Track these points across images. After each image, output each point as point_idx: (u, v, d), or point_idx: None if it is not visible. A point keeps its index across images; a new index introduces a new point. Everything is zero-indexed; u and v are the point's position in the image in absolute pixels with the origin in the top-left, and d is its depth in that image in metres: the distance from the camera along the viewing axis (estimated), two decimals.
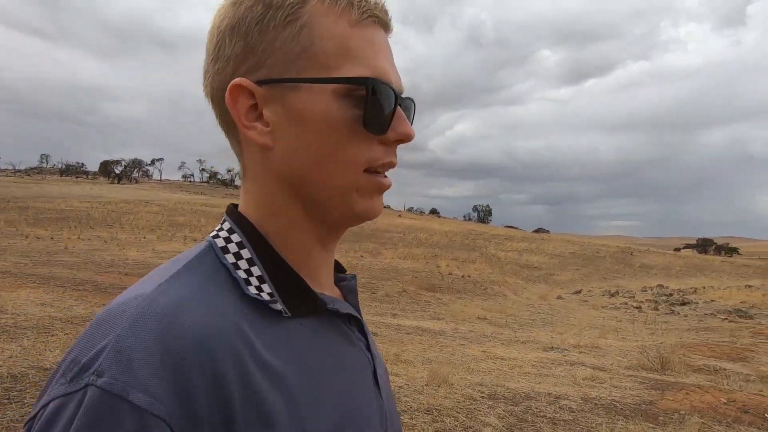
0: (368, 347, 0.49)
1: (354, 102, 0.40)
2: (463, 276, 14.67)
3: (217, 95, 0.43)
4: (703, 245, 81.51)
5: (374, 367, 0.48)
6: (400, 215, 65.18)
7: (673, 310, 11.10)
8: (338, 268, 0.53)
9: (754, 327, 8.08)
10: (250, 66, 0.40)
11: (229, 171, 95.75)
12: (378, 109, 0.40)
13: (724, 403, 3.34)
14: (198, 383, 0.32)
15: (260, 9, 0.40)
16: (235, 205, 0.47)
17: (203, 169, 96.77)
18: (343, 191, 0.42)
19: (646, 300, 13.33)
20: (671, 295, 14.53)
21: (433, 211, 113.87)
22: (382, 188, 0.44)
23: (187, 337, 0.33)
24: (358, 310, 0.50)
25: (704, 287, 17.45)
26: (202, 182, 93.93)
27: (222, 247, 0.42)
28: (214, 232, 0.44)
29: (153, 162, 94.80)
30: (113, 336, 0.32)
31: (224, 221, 0.45)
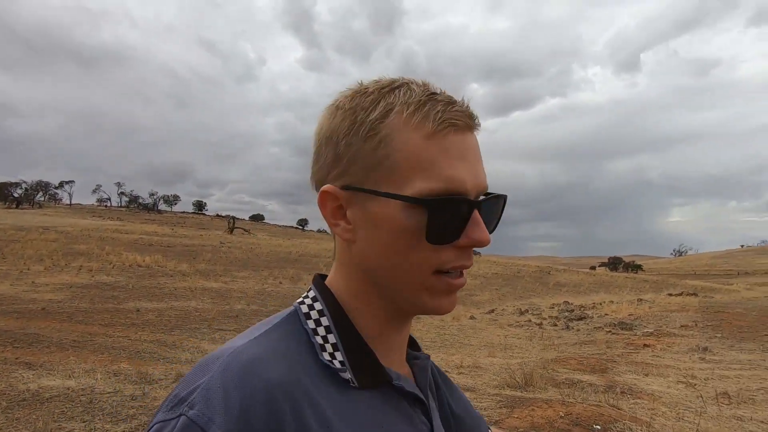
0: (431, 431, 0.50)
1: (420, 213, 0.43)
2: None
3: (317, 189, 0.48)
4: (614, 263, 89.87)
5: None
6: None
7: (568, 326, 11.87)
8: (414, 345, 0.56)
9: (629, 338, 8.84)
10: (337, 173, 0.46)
11: (152, 195, 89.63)
12: (441, 223, 0.43)
13: (561, 417, 3.51)
14: (263, 429, 0.38)
15: (347, 124, 0.45)
16: (322, 276, 0.52)
17: (122, 193, 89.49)
18: (413, 290, 0.45)
19: (549, 317, 14.15)
20: (573, 311, 15.56)
21: None
22: (452, 289, 0.46)
23: (260, 388, 0.39)
24: (425, 392, 0.51)
25: (603, 302, 18.93)
26: (120, 207, 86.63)
27: (305, 313, 0.47)
28: (301, 299, 0.50)
29: (62, 184, 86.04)
30: (207, 378, 0.40)
31: (310, 290, 0.51)
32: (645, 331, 9.86)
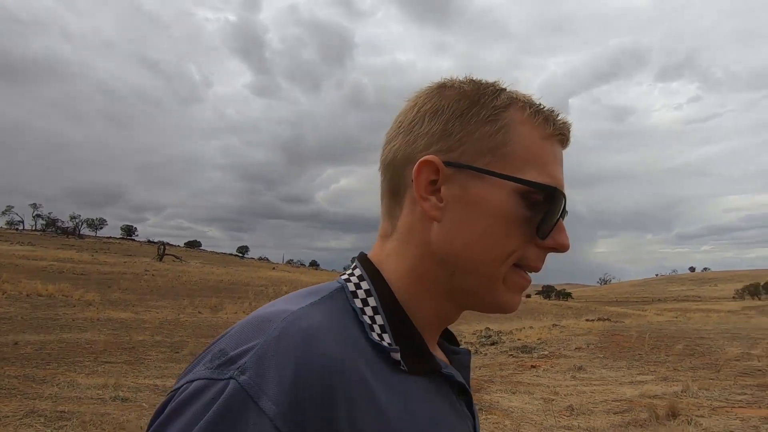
0: (475, 428, 0.50)
1: (529, 203, 0.44)
2: None
3: (399, 162, 0.47)
4: (547, 291, 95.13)
5: None
6: (274, 268, 62.90)
7: (478, 350, 12.44)
8: (452, 339, 0.55)
9: (523, 360, 9.47)
10: (442, 147, 0.45)
11: (73, 218, 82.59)
12: (550, 216, 0.44)
13: None
14: (315, 407, 0.34)
15: (466, 104, 0.45)
16: (364, 254, 0.49)
17: (38, 215, 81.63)
18: (492, 279, 0.44)
19: (466, 342, 14.73)
20: (490, 336, 16.29)
21: (313, 263, 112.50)
22: (525, 285, 0.46)
23: (318, 362, 0.36)
24: (469, 385, 0.50)
25: (523, 328, 19.94)
26: (35, 231, 78.85)
27: (352, 291, 0.45)
28: (345, 276, 0.47)
29: None
30: (261, 340, 0.36)
31: (355, 266, 0.48)
32: (541, 353, 10.60)
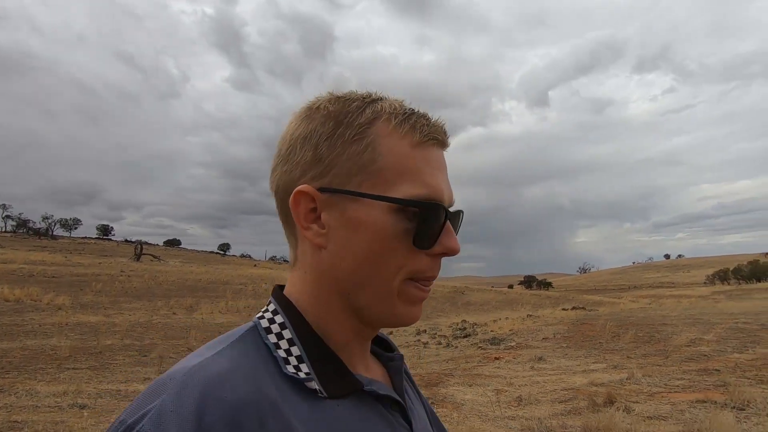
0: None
1: (407, 216, 0.44)
2: None
3: (281, 192, 0.48)
4: (528, 282, 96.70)
5: None
6: (255, 265, 62.32)
7: (450, 343, 12.73)
8: (388, 347, 0.55)
9: (489, 352, 9.76)
10: (315, 173, 0.45)
11: (46, 218, 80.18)
12: (428, 227, 0.44)
13: None
14: None
15: (331, 125, 0.45)
16: (281, 287, 0.50)
17: (7, 216, 78.91)
18: (385, 295, 0.45)
19: (441, 335, 15.01)
20: (465, 329, 16.62)
21: None
22: (422, 297, 0.47)
23: (220, 410, 0.35)
24: (401, 394, 0.50)
25: (499, 319, 20.30)
26: (4, 232, 76.29)
27: (265, 328, 0.45)
28: (260, 313, 0.48)
29: None
30: (159, 401, 0.36)
31: (269, 302, 0.49)
32: (508, 345, 10.93)
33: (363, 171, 0.44)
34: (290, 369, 0.42)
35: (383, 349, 0.54)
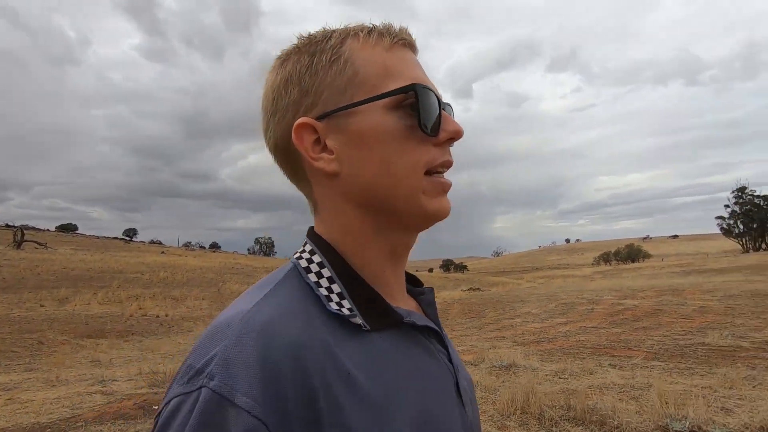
0: (449, 358, 0.51)
1: (404, 112, 0.45)
2: (158, 316, 14.28)
3: (281, 143, 0.48)
4: (447, 265, 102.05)
5: (456, 378, 0.51)
6: (163, 252, 58.51)
7: None
8: (416, 282, 0.57)
9: None
10: (307, 106, 0.46)
11: None
12: (427, 111, 0.45)
13: (136, 404, 4.34)
14: (290, 391, 0.36)
15: (306, 59, 0.47)
16: (312, 229, 0.50)
17: None
18: (411, 195, 0.45)
19: None
20: None
21: (214, 245, 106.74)
22: (445, 188, 0.48)
23: (281, 350, 0.37)
24: (437, 323, 0.53)
25: None
26: None
27: (305, 267, 0.46)
28: (297, 254, 0.48)
29: None
30: (221, 346, 0.37)
31: (305, 243, 0.49)
32: None
33: (349, 86, 0.45)
34: (333, 306, 0.43)
35: (412, 285, 0.56)
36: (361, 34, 0.47)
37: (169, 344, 10.45)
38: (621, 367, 4.78)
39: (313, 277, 0.45)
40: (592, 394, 3.77)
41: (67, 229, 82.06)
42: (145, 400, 4.39)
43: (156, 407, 4.24)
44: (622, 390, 3.91)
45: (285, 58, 0.49)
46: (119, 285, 20.55)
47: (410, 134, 0.45)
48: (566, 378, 4.43)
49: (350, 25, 0.48)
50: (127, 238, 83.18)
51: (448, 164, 0.48)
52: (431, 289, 0.56)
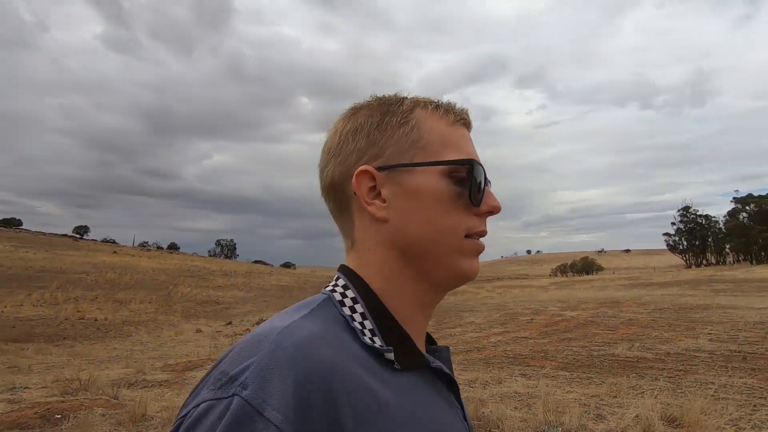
0: (465, 417, 0.53)
1: (455, 180, 0.49)
2: (96, 320, 13.68)
3: (338, 182, 0.51)
4: None
5: None
6: (115, 252, 55.94)
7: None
8: (430, 340, 0.56)
9: None
10: (371, 156, 0.50)
11: None
12: (476, 184, 0.50)
13: (37, 413, 4.19)
14: (319, 411, 0.36)
15: (378, 116, 0.51)
16: (345, 265, 0.52)
17: None
18: (450, 253, 0.49)
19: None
20: None
21: (172, 246, 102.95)
22: (480, 250, 0.51)
23: (316, 369, 0.37)
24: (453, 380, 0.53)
25: None
26: None
27: (339, 300, 0.47)
28: (330, 287, 0.50)
29: None
30: (258, 357, 0.38)
31: (338, 278, 0.51)
32: None
33: (413, 147, 0.50)
34: (367, 340, 0.44)
35: (428, 343, 0.57)
36: (430, 107, 0.53)
37: (103, 350, 10.04)
38: (529, 376, 5.06)
39: (347, 311, 0.47)
40: (491, 402, 3.99)
41: (10, 224, 76.84)
42: (48, 409, 4.25)
43: (59, 416, 4.11)
44: (520, 398, 4.16)
45: (357, 110, 0.54)
46: (59, 286, 19.51)
47: (457, 200, 0.49)
48: (475, 387, 4.65)
49: (420, 96, 0.54)
50: (77, 236, 78.77)
51: (483, 233, 0.52)
52: (447, 348, 0.57)
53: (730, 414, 3.46)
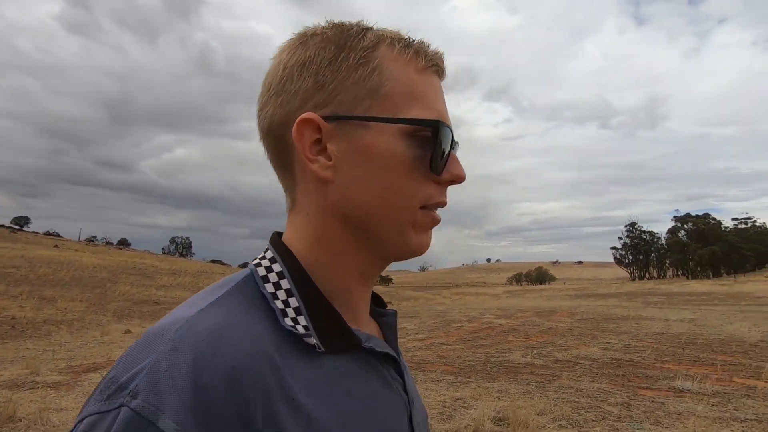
0: (405, 388, 0.48)
1: (417, 142, 0.42)
2: (13, 318, 12.94)
3: (277, 128, 0.43)
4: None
5: (410, 411, 0.47)
6: (56, 246, 52.74)
7: None
8: (379, 302, 0.52)
9: None
10: (317, 101, 0.42)
11: None
12: (440, 150, 0.42)
13: None
14: (225, 417, 0.32)
15: (333, 50, 0.42)
16: (279, 234, 0.46)
17: None
18: (401, 225, 0.43)
19: None
20: None
21: (123, 242, 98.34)
22: (435, 223, 0.45)
23: (219, 369, 0.33)
24: (396, 349, 0.49)
25: None
26: None
27: (262, 276, 0.42)
28: (257, 260, 0.44)
29: None
30: (152, 358, 0.33)
31: (267, 249, 0.45)
32: None
33: (370, 96, 0.42)
34: (288, 322, 0.40)
35: (375, 304, 0.52)
36: (398, 46, 0.43)
37: (12, 350, 9.54)
38: (416, 380, 5.33)
39: (270, 288, 0.41)
40: None
41: None
42: None
43: None
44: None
45: (307, 38, 0.44)
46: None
47: (416, 166, 0.42)
48: None
49: (387, 30, 0.45)
50: (16, 227, 73.68)
51: (442, 204, 0.46)
52: (394, 312, 0.53)
53: (563, 414, 3.83)
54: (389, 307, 0.54)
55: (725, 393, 4.62)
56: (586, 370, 5.70)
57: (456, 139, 0.46)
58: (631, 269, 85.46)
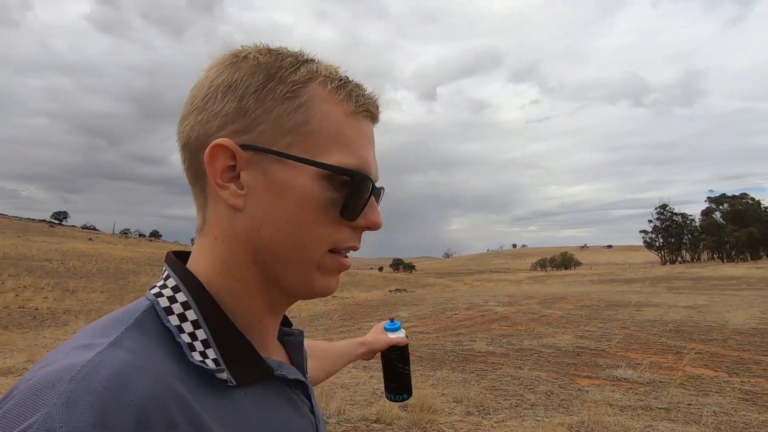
0: (312, 410, 0.49)
1: (334, 185, 0.42)
2: (36, 309, 13.93)
3: (192, 144, 0.43)
4: (396, 264, 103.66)
5: (317, 430, 0.49)
6: (91, 239, 55.72)
7: None
8: (285, 321, 0.52)
9: None
10: (238, 128, 0.41)
11: None
12: (356, 198, 0.42)
13: None
14: None
15: (261, 78, 0.41)
16: (176, 254, 0.45)
17: None
18: (305, 266, 0.43)
19: None
20: None
21: (155, 234, 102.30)
22: (342, 268, 0.45)
23: (126, 418, 0.29)
24: (303, 370, 0.50)
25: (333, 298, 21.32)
26: None
27: (165, 308, 0.39)
28: (157, 289, 0.41)
29: None
30: (41, 415, 0.28)
31: (168, 276, 0.42)
32: None
33: (293, 132, 0.41)
34: (196, 357, 0.38)
35: (282, 325, 0.51)
36: (330, 85, 0.43)
37: (29, 339, 10.32)
38: (367, 369, 5.52)
39: (174, 320, 0.39)
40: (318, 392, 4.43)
41: None
42: None
43: None
44: (348, 388, 4.60)
45: (239, 59, 0.43)
46: (14, 274, 19.54)
47: (329, 209, 0.42)
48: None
49: (322, 65, 0.44)
50: (55, 221, 77.93)
51: (353, 249, 0.46)
52: (301, 332, 0.53)
53: (479, 402, 3.95)
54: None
55: (660, 382, 4.61)
56: (540, 359, 5.75)
57: (379, 185, 0.47)
58: (662, 253, 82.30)
